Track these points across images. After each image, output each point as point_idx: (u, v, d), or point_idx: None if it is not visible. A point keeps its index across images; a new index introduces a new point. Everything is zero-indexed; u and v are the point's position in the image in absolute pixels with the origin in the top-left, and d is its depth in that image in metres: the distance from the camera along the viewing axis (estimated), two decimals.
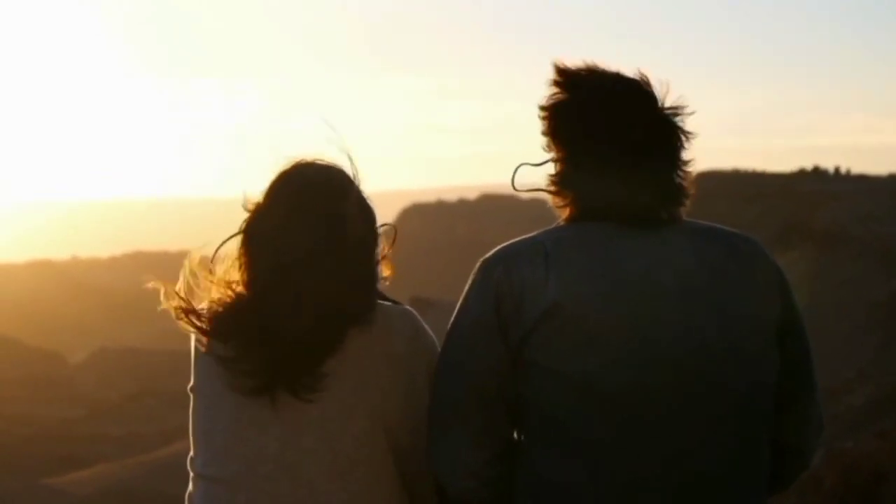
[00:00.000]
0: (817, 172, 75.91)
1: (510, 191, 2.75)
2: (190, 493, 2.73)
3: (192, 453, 2.72)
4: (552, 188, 2.63)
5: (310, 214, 2.62)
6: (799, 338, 2.66)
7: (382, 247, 2.72)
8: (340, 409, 2.61)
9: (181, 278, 2.69)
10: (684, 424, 2.48)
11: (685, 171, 2.60)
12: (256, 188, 2.70)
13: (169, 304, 2.68)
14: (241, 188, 2.70)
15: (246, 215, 2.69)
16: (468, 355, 2.56)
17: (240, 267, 2.66)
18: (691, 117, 2.61)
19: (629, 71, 2.62)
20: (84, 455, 69.04)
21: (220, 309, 2.66)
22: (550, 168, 2.64)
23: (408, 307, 2.75)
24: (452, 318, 2.61)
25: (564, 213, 2.63)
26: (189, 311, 2.67)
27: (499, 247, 2.62)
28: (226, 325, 2.64)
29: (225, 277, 2.68)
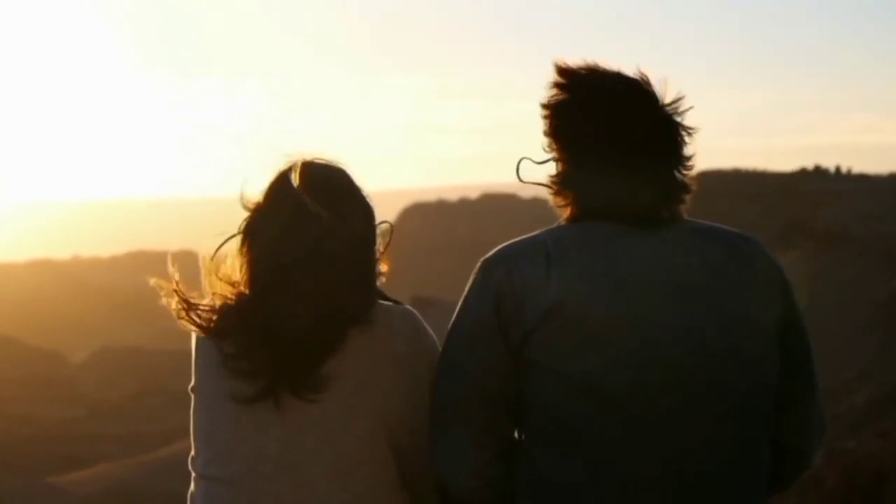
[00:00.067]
0: (818, 172, 75.91)
1: (511, 190, 2.79)
2: (192, 493, 2.73)
3: (193, 453, 2.72)
4: (553, 187, 2.63)
5: (309, 215, 2.62)
6: (800, 338, 2.66)
7: (380, 244, 2.72)
8: (342, 409, 2.61)
9: (176, 276, 2.69)
10: (684, 424, 2.48)
11: (687, 168, 2.60)
12: (256, 188, 2.70)
13: (169, 302, 2.68)
14: (241, 188, 2.70)
15: (246, 214, 2.69)
16: (469, 355, 2.56)
17: (240, 267, 2.66)
18: (691, 113, 2.61)
19: (629, 70, 2.62)
20: (85, 455, 69.05)
21: (221, 308, 2.66)
22: (551, 167, 2.64)
23: (408, 307, 2.75)
24: (453, 318, 2.61)
25: (565, 213, 2.62)
26: (190, 309, 2.67)
27: (500, 246, 2.61)
28: (226, 323, 2.64)
29: (226, 277, 2.67)
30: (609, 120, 2.57)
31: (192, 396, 2.73)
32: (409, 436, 2.66)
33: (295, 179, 2.67)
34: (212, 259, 2.68)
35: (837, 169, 76.56)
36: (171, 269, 2.70)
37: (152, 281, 2.71)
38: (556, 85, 2.62)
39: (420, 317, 2.74)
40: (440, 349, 2.66)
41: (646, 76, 2.61)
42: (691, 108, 2.60)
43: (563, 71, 2.62)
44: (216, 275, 2.67)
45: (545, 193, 2.65)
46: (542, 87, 2.64)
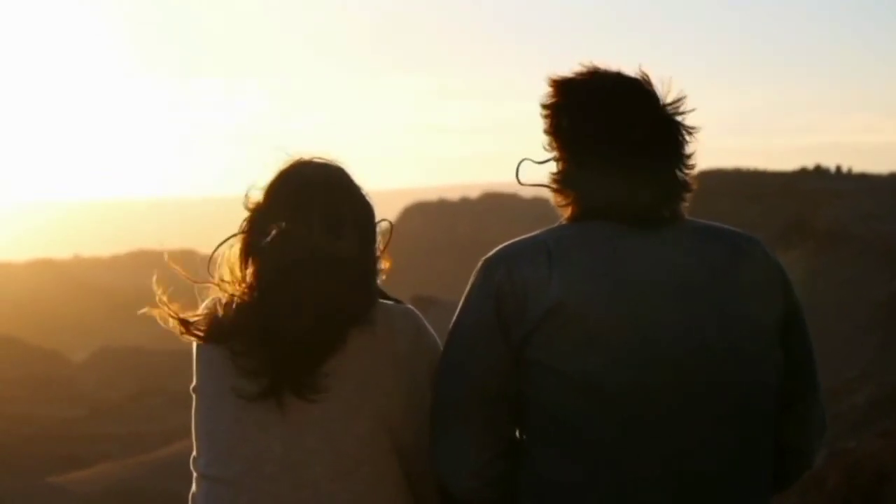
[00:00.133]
0: (819, 171, 75.86)
1: (512, 190, 2.78)
2: (193, 493, 2.73)
3: (194, 453, 2.72)
4: (554, 187, 2.63)
5: (309, 214, 2.62)
6: (801, 338, 2.66)
7: (380, 243, 2.72)
8: (344, 409, 2.61)
9: (165, 299, 2.69)
10: (684, 424, 2.48)
11: (688, 167, 2.60)
12: (256, 187, 2.70)
13: (166, 321, 2.69)
14: (242, 187, 2.70)
15: (246, 214, 2.69)
16: (470, 355, 2.56)
17: (240, 267, 2.66)
18: (692, 113, 2.61)
19: (630, 70, 2.62)
20: (85, 455, 69.05)
21: (220, 311, 2.66)
22: (552, 167, 2.64)
23: (409, 306, 2.75)
24: (454, 318, 2.61)
25: (566, 213, 2.62)
26: (188, 327, 2.67)
27: (500, 246, 2.61)
28: (225, 327, 2.64)
29: (226, 277, 2.67)
30: (609, 120, 2.57)
31: (194, 397, 2.72)
32: (411, 436, 2.66)
33: (294, 179, 2.67)
34: (212, 259, 2.68)
35: (838, 168, 76.53)
36: (172, 266, 2.70)
37: (144, 311, 2.72)
38: (554, 95, 2.62)
39: (421, 316, 2.74)
40: (441, 348, 2.66)
41: (647, 76, 2.61)
42: (693, 109, 2.60)
43: (558, 83, 2.62)
44: (217, 275, 2.68)
45: (546, 193, 2.65)
46: (542, 86, 2.64)
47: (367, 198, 2.72)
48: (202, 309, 2.71)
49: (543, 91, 2.63)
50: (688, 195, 2.60)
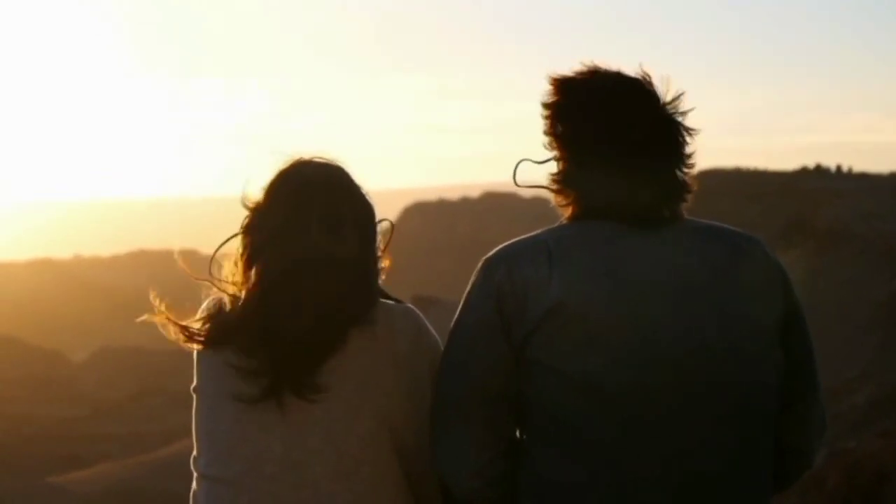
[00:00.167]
0: (819, 171, 75.83)
1: (512, 189, 2.76)
2: (194, 493, 2.73)
3: (195, 453, 2.72)
4: (554, 187, 2.63)
5: (309, 214, 2.62)
6: (801, 338, 2.65)
7: (381, 242, 2.72)
8: (345, 409, 2.61)
9: (163, 308, 2.69)
10: (684, 424, 2.48)
11: (688, 167, 2.60)
12: (256, 187, 2.70)
13: (167, 329, 2.69)
14: (242, 187, 2.70)
15: (246, 214, 2.69)
16: (471, 355, 2.56)
17: (241, 267, 2.66)
18: (692, 113, 2.61)
19: (630, 70, 2.62)
20: (86, 454, 69.03)
21: (220, 312, 2.66)
22: (552, 167, 2.64)
23: (410, 306, 2.75)
24: (455, 318, 2.61)
25: (567, 212, 2.62)
26: (189, 334, 2.67)
27: (501, 246, 2.61)
28: (226, 328, 2.64)
29: (227, 278, 2.67)
30: (609, 119, 2.57)
31: (194, 397, 2.72)
32: (412, 436, 2.66)
33: (294, 179, 2.67)
34: (214, 259, 2.69)
35: (838, 168, 76.51)
36: (183, 267, 2.70)
37: (144, 317, 2.72)
38: (555, 94, 2.62)
39: (422, 315, 2.74)
40: (442, 348, 2.66)
41: (647, 75, 2.61)
42: (693, 108, 2.60)
43: (558, 81, 2.62)
44: (219, 275, 2.68)
45: (546, 193, 2.65)
46: (542, 86, 2.64)
47: (368, 197, 2.72)
48: (201, 311, 2.71)
49: (543, 91, 2.63)
50: (688, 195, 2.60)
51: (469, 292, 2.59)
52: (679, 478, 2.47)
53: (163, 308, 2.69)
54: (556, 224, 2.63)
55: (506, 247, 2.60)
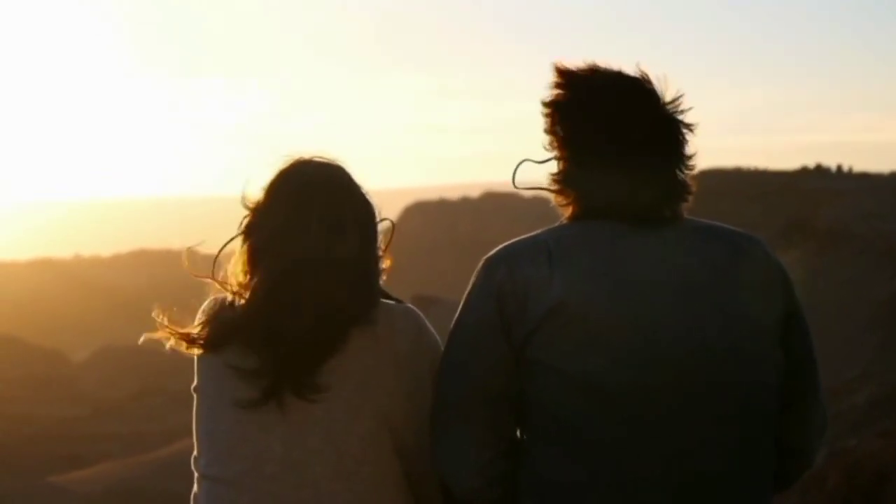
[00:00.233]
0: (820, 170, 75.83)
1: (513, 189, 2.76)
2: (194, 493, 2.73)
3: (195, 453, 2.72)
4: (554, 187, 2.63)
5: (310, 214, 2.62)
6: (802, 337, 2.65)
7: (381, 242, 2.72)
8: (346, 409, 2.61)
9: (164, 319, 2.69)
10: (684, 424, 2.48)
11: (688, 167, 2.60)
12: (257, 186, 2.70)
13: (169, 339, 2.69)
14: (242, 186, 2.70)
15: (246, 213, 2.69)
16: (471, 355, 2.56)
17: (242, 268, 2.66)
18: (692, 112, 2.61)
19: (630, 69, 2.62)
20: (87, 454, 69.02)
21: (219, 313, 2.66)
22: (552, 166, 2.64)
23: (410, 305, 2.75)
24: (455, 318, 2.61)
25: (567, 212, 2.62)
26: (189, 338, 2.67)
27: (501, 245, 2.61)
28: (227, 329, 2.64)
29: (227, 278, 2.68)
30: (609, 119, 2.57)
31: (195, 396, 2.72)
32: (413, 436, 2.66)
33: (294, 178, 2.67)
34: (216, 259, 2.69)
35: (839, 167, 76.51)
36: (185, 264, 2.70)
37: (144, 336, 2.72)
38: (557, 85, 2.62)
39: (422, 315, 2.74)
40: (442, 348, 2.66)
41: (646, 75, 2.61)
42: (692, 108, 2.60)
43: (562, 72, 2.62)
44: (220, 275, 2.68)
45: (546, 193, 2.65)
46: (542, 86, 2.64)
47: (368, 197, 2.72)
48: (201, 311, 2.71)
49: (544, 88, 2.63)
50: (688, 195, 2.60)
51: (469, 292, 2.59)
52: (679, 478, 2.47)
53: (165, 321, 2.69)
54: (556, 224, 2.63)
55: (506, 246, 2.60)
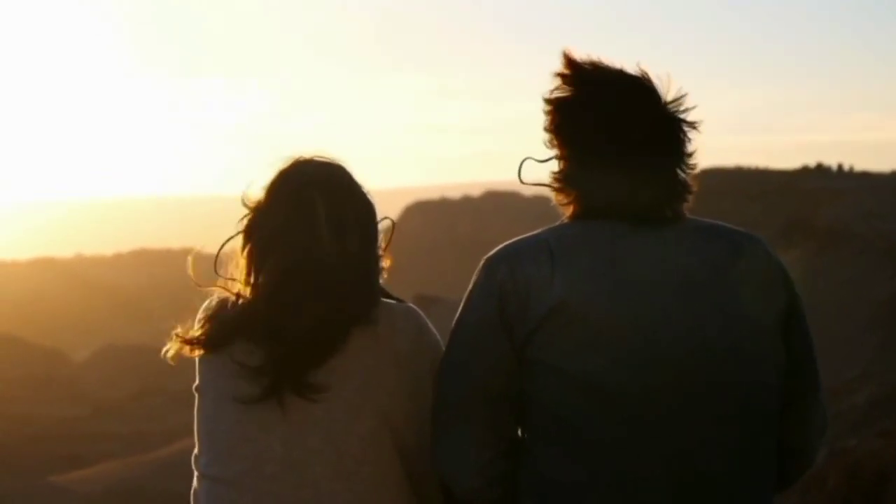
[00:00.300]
0: (820, 170, 75.85)
1: (514, 188, 2.78)
2: (195, 492, 2.73)
3: (196, 452, 2.72)
4: (555, 185, 2.62)
5: (310, 213, 2.62)
6: (802, 337, 2.65)
7: (382, 241, 2.72)
8: (346, 409, 2.61)
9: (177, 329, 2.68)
10: (684, 424, 2.47)
11: (689, 166, 2.60)
12: (257, 186, 2.70)
13: (172, 346, 2.69)
14: (243, 186, 2.70)
15: (246, 213, 2.68)
16: (472, 354, 2.56)
17: (242, 266, 2.66)
18: (693, 111, 2.60)
19: (631, 68, 2.62)
20: (88, 454, 69.02)
21: (220, 313, 2.66)
22: (553, 165, 2.63)
23: (411, 305, 2.75)
24: (456, 317, 2.60)
25: (568, 211, 2.62)
26: (193, 344, 2.67)
27: (502, 245, 2.61)
28: (228, 329, 2.64)
29: (228, 278, 2.67)
30: (611, 118, 2.57)
31: (196, 396, 2.72)
32: (414, 436, 2.66)
33: (294, 178, 2.67)
34: (217, 259, 2.69)
35: (839, 167, 76.52)
36: (189, 272, 2.69)
37: (165, 351, 2.70)
38: (560, 78, 2.61)
39: (423, 315, 2.74)
40: (443, 347, 2.66)
41: (647, 74, 2.61)
42: (694, 107, 2.60)
43: (570, 63, 2.61)
44: (222, 275, 2.68)
45: (547, 192, 2.65)
46: (542, 86, 2.63)
47: (369, 196, 2.72)
48: (201, 312, 2.71)
49: (544, 90, 2.62)
50: (689, 194, 2.60)
51: (471, 291, 2.59)
52: (679, 478, 2.47)
53: (179, 332, 2.68)
54: (556, 223, 2.63)
55: (507, 246, 2.60)
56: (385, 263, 2.73)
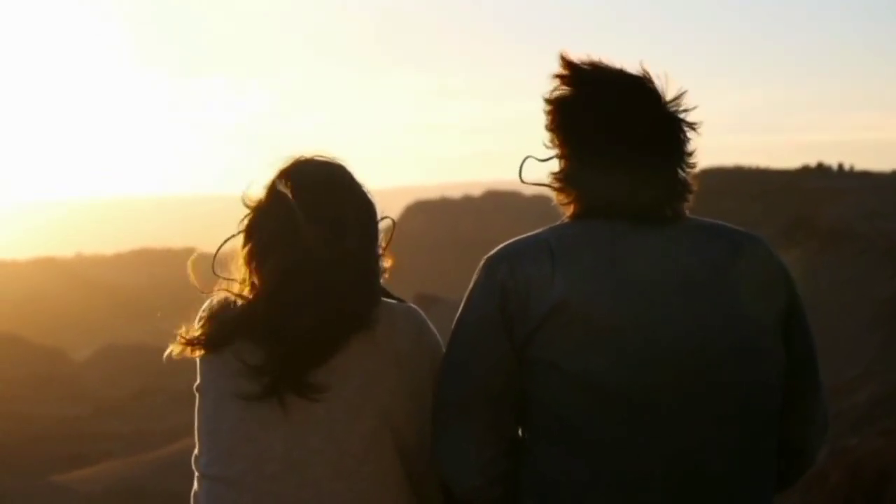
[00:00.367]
0: (821, 169, 75.79)
1: (515, 188, 2.78)
2: (195, 492, 2.73)
3: (196, 452, 2.72)
4: (556, 185, 2.62)
5: (310, 213, 2.61)
6: (803, 337, 2.65)
7: (382, 241, 2.72)
8: (347, 408, 2.61)
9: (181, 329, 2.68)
10: (685, 424, 2.47)
11: (689, 165, 2.60)
12: (258, 185, 2.70)
13: (174, 349, 2.69)
14: (243, 186, 2.70)
15: (247, 213, 2.68)
16: (473, 354, 2.56)
17: (243, 266, 2.66)
18: (694, 111, 2.60)
19: (632, 67, 2.62)
20: (89, 453, 69.01)
21: (220, 313, 2.66)
22: (554, 165, 2.63)
23: (412, 305, 2.75)
24: (457, 316, 2.60)
25: (568, 211, 2.62)
26: (193, 344, 2.67)
27: (503, 244, 2.61)
28: (227, 329, 2.64)
29: (228, 278, 2.67)
30: (611, 117, 2.57)
31: (197, 395, 2.72)
32: (414, 436, 2.66)
33: (295, 178, 2.66)
34: (217, 259, 2.69)
35: (840, 166, 76.46)
36: (191, 277, 2.69)
37: (168, 352, 2.70)
38: (560, 79, 2.61)
39: (423, 314, 2.74)
40: (444, 347, 2.66)
41: (648, 73, 2.61)
42: (695, 107, 2.60)
43: (568, 64, 2.61)
44: (223, 275, 2.68)
45: (548, 191, 2.65)
46: (542, 86, 2.64)
47: (369, 196, 2.72)
48: (202, 312, 2.71)
49: (544, 90, 2.63)
50: (689, 194, 2.60)
51: (471, 291, 2.59)
52: (680, 477, 2.47)
53: (183, 332, 2.68)
54: (557, 223, 2.63)
55: (508, 245, 2.60)
56: (386, 263, 2.73)
